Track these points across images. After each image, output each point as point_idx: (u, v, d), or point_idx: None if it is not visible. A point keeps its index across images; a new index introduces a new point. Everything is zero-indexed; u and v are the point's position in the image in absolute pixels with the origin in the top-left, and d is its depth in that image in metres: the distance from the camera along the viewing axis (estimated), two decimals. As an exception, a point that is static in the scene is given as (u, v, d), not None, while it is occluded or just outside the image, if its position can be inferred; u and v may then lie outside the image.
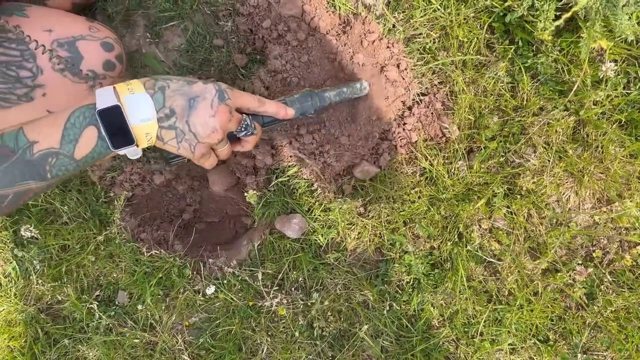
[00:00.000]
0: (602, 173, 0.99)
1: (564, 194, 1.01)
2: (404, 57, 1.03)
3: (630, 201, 0.95)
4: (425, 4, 1.01)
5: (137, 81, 0.68)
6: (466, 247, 1.01)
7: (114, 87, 0.66)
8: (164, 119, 0.67)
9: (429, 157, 1.03)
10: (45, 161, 0.64)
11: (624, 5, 0.85)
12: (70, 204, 1.13)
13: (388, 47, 1.02)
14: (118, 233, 1.10)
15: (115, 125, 0.65)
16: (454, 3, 1.00)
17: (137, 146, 0.68)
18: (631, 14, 0.87)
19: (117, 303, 1.15)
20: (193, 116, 0.68)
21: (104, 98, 0.64)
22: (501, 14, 0.98)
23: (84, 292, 1.15)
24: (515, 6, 0.93)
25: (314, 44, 1.01)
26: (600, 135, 0.99)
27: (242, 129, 0.77)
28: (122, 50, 1.01)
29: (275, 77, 0.99)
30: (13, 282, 1.19)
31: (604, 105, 0.97)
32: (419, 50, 1.04)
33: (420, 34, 1.03)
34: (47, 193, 1.14)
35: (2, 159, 0.62)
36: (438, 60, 1.02)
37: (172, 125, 0.68)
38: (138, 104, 0.65)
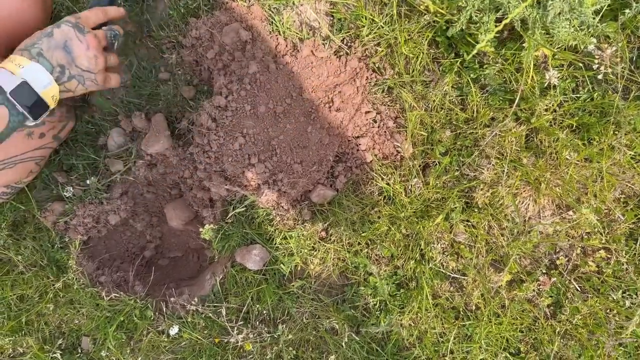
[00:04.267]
0: (558, 179, 0.98)
1: (522, 203, 1.00)
2: (360, 71, 1.01)
3: (586, 207, 0.94)
4: (370, 22, 1.00)
5: (16, 57, 0.74)
6: (429, 264, 0.99)
7: (6, 67, 0.72)
8: (60, 76, 0.77)
9: (385, 177, 1.02)
10: None
11: (559, 14, 0.84)
12: (25, 252, 1.10)
13: (340, 64, 1.01)
14: (76, 279, 1.07)
15: (26, 99, 0.72)
16: (396, 20, 0.99)
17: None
18: (570, 21, 0.87)
19: (81, 350, 1.12)
20: (76, 58, 0.78)
21: (5, 79, 0.70)
22: (443, 27, 0.97)
23: (47, 342, 1.12)
24: (455, 20, 0.92)
25: (261, 70, 0.99)
26: (553, 142, 0.98)
27: (112, 41, 0.88)
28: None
29: (222, 110, 0.97)
30: (-28, 337, 1.15)
31: (554, 112, 0.97)
32: (367, 68, 1.03)
33: (368, 50, 1.02)
34: (0, 243, 1.10)
35: None
36: (386, 78, 1.01)
37: (71, 77, 0.78)
38: (35, 74, 0.73)
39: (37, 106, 0.74)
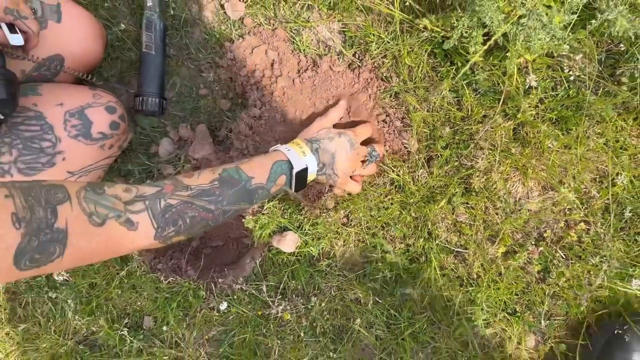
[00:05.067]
0: (542, 165, 1.16)
1: (512, 186, 1.18)
2: (371, 81, 1.20)
3: (565, 188, 1.12)
4: (377, 38, 1.18)
5: (303, 144, 1.00)
6: (435, 241, 1.18)
7: (295, 150, 0.97)
8: (319, 170, 1.02)
9: (395, 169, 1.20)
10: (256, 192, 0.90)
11: (535, 29, 1.02)
12: (93, 246, 1.30)
13: (354, 76, 1.19)
14: (138, 267, 1.26)
15: (300, 179, 0.98)
16: (400, 36, 1.17)
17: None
18: (546, 33, 1.04)
19: (144, 327, 1.32)
20: (335, 164, 1.04)
21: (296, 160, 0.96)
22: (440, 41, 1.15)
23: (115, 322, 1.32)
24: (449, 35, 1.10)
25: (288, 85, 1.18)
26: (537, 133, 1.15)
27: (370, 159, 1.12)
28: (123, 110, 1.17)
29: (256, 120, 1.16)
30: (51, 320, 1.35)
31: (537, 107, 1.14)
32: (377, 78, 1.21)
33: (376, 62, 1.20)
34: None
35: (232, 185, 0.85)
36: (393, 85, 1.19)
37: (324, 173, 1.04)
38: (310, 164, 0.98)
39: (301, 185, 0.99)
